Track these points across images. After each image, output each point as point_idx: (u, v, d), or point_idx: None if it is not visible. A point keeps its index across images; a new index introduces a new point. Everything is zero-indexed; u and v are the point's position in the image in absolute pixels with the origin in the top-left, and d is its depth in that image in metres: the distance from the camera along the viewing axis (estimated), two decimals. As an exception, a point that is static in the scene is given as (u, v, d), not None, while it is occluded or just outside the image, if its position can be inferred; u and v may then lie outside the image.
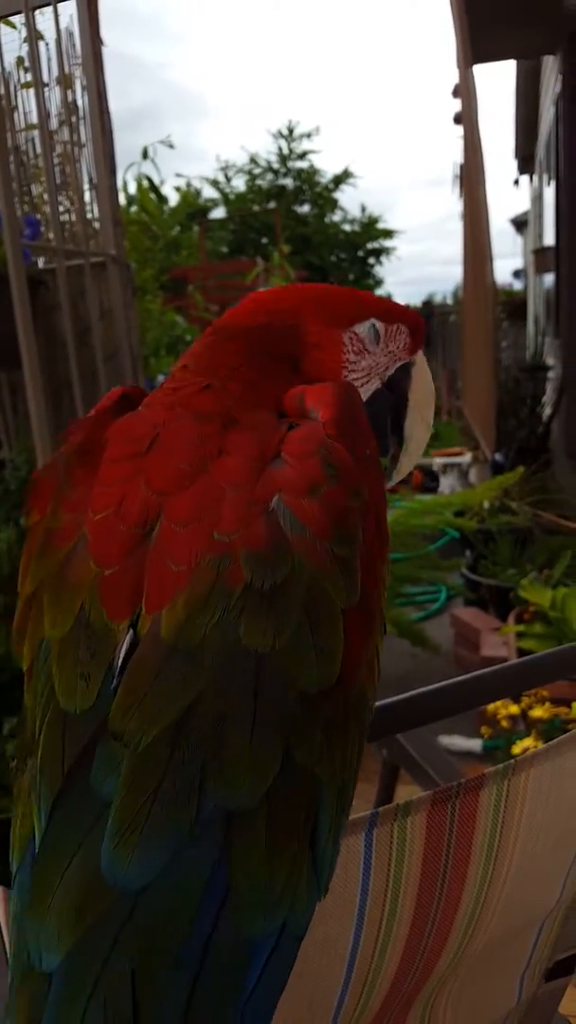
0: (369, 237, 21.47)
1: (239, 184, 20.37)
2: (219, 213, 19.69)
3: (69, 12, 2.68)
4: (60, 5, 2.56)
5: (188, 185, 15.37)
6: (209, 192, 19.81)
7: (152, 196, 5.30)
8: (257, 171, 20.39)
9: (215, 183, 19.88)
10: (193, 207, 16.09)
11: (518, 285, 15.98)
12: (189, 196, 15.54)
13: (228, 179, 20.24)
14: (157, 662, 0.49)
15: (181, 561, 0.51)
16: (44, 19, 2.61)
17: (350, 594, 0.54)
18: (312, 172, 20.53)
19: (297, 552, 0.51)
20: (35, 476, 0.61)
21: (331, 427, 0.59)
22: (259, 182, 20.44)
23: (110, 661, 0.50)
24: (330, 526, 0.53)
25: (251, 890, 0.46)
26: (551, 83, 7.66)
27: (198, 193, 18.63)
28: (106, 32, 2.75)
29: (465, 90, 4.13)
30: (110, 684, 0.49)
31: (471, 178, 4.29)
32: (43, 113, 2.53)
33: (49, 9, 2.56)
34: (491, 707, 2.56)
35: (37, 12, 2.55)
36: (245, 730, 0.47)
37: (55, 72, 2.73)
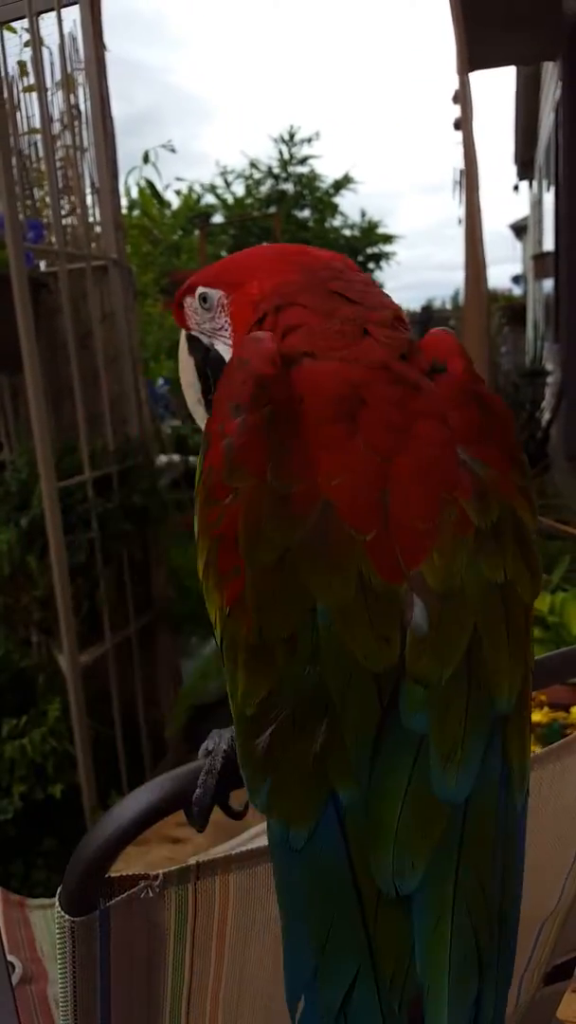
0: (369, 242, 21.47)
1: (239, 189, 20.40)
2: (219, 218, 19.70)
3: (72, 17, 2.69)
4: (63, 10, 2.57)
5: (189, 190, 15.38)
6: (210, 198, 19.83)
7: (153, 200, 5.31)
8: (258, 176, 20.42)
9: (213, 188, 19.89)
10: (194, 211, 16.10)
11: (517, 290, 16.01)
12: (190, 200, 15.55)
13: (228, 184, 20.25)
14: (436, 610, 0.55)
15: (425, 519, 0.56)
16: (46, 24, 2.62)
17: (534, 518, 0.62)
18: (312, 177, 20.54)
19: (496, 492, 0.59)
20: (243, 439, 0.59)
21: (467, 374, 0.64)
22: (261, 187, 20.46)
23: (400, 620, 0.54)
24: (509, 464, 0.61)
25: (518, 772, 0.57)
26: (551, 89, 7.68)
27: (199, 198, 18.65)
28: (108, 36, 2.76)
29: (464, 97, 4.14)
30: (405, 640, 0.54)
31: (470, 184, 4.30)
32: (46, 117, 2.54)
33: (51, 14, 2.58)
34: (489, 711, 2.56)
35: (40, 17, 2.57)
36: (506, 649, 0.57)
37: (58, 76, 2.75)
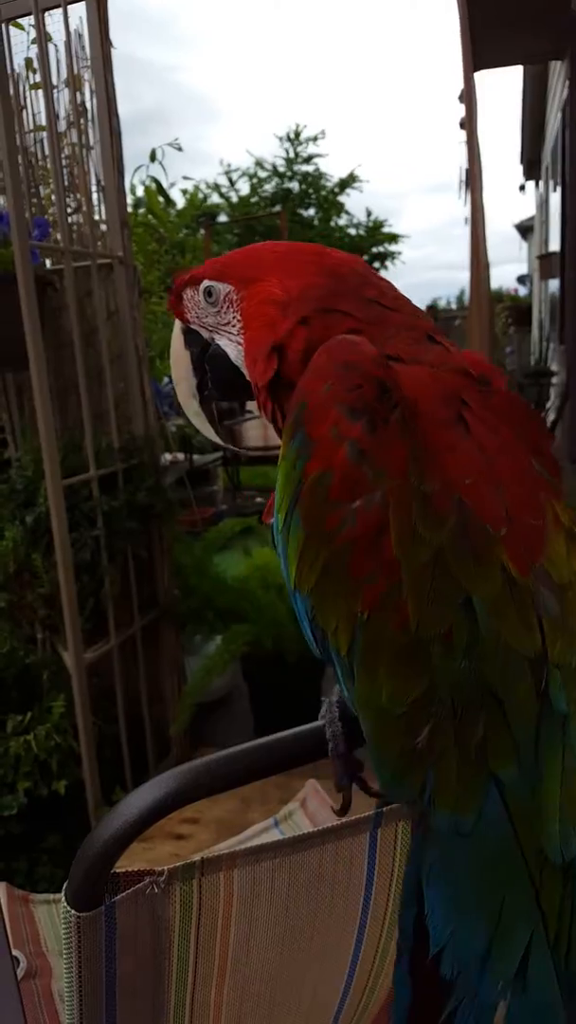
0: (375, 241, 21.46)
1: (244, 187, 20.39)
2: (223, 217, 19.68)
3: (79, 14, 2.68)
4: (69, 7, 2.57)
5: (196, 189, 15.36)
6: (215, 197, 19.84)
7: (160, 198, 5.31)
8: (263, 175, 20.41)
9: (217, 187, 19.88)
10: (200, 210, 16.10)
11: (523, 291, 15.97)
12: (196, 199, 15.56)
13: (232, 183, 20.25)
14: (561, 600, 0.59)
15: (536, 517, 0.61)
16: (53, 20, 2.62)
17: None
18: (318, 176, 20.52)
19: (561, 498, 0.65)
20: (379, 441, 0.61)
21: (514, 392, 0.70)
22: (265, 186, 20.45)
23: (534, 610, 0.59)
24: (559, 475, 0.67)
25: None
26: (558, 89, 7.67)
27: (205, 197, 18.66)
28: (115, 35, 2.76)
29: (469, 96, 4.13)
30: (543, 629, 0.58)
31: (473, 183, 4.29)
32: (52, 114, 2.54)
33: (58, 11, 2.57)
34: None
35: (46, 14, 2.57)
36: None
37: (64, 74, 2.75)
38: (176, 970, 0.64)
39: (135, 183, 4.42)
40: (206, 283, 0.82)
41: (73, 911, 0.58)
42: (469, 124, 4.00)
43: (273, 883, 0.65)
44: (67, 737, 2.45)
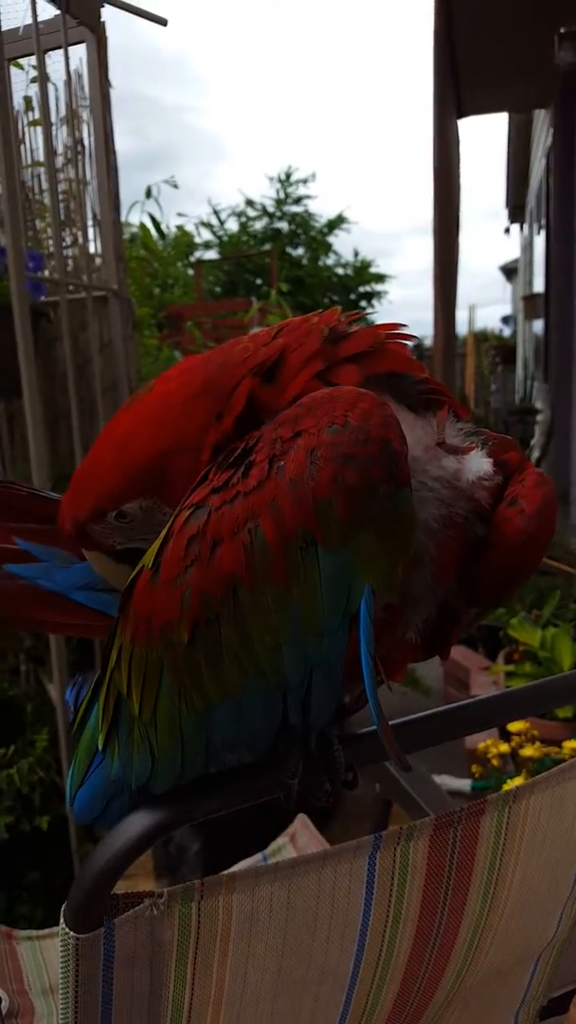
0: (361, 280, 21.82)
1: (233, 226, 20.74)
2: (212, 254, 19.98)
3: (79, 55, 2.74)
4: (70, 48, 2.62)
5: (181, 229, 15.62)
6: (207, 234, 20.16)
7: (154, 234, 5.38)
8: (253, 214, 20.77)
9: (208, 225, 20.19)
10: (193, 246, 16.34)
11: (507, 331, 16.25)
12: (187, 235, 15.79)
13: (221, 222, 20.57)
14: None
15: None
16: (52, 61, 2.67)
17: None
18: (307, 216, 20.91)
19: None
20: None
21: None
22: (256, 224, 20.80)
23: None
24: None
25: None
26: (543, 136, 7.87)
27: (198, 232, 19.00)
28: (125, 75, 2.83)
29: (443, 144, 4.24)
30: None
31: (442, 227, 4.40)
32: (50, 152, 2.57)
33: (57, 52, 2.62)
34: (481, 745, 2.55)
35: (47, 55, 2.62)
36: None
37: (63, 111, 2.80)
38: (172, 995, 0.63)
39: (132, 218, 4.51)
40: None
41: (72, 932, 0.57)
42: (445, 170, 4.08)
43: (271, 907, 0.64)
44: (50, 771, 2.41)
